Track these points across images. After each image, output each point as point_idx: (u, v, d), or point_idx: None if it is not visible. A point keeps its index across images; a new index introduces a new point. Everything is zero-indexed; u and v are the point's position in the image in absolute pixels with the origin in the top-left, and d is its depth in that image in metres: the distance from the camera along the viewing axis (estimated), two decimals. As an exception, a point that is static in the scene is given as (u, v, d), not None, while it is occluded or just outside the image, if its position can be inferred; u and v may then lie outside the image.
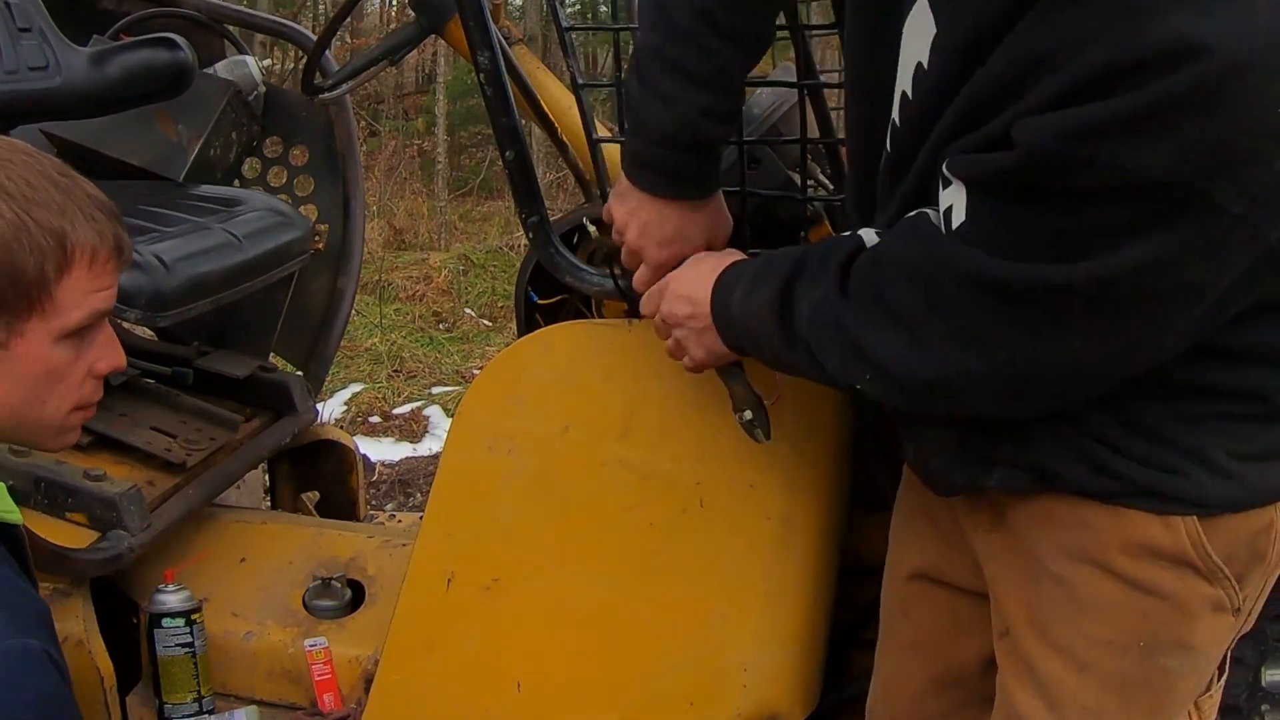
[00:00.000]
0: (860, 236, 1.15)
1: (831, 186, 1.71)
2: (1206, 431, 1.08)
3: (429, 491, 1.67)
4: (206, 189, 2.44)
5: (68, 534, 1.85)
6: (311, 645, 1.91)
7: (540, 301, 1.87)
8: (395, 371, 5.95)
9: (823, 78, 1.59)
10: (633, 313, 1.63)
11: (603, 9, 12.17)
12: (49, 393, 1.24)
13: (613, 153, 1.69)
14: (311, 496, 2.62)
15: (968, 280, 0.98)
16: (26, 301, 1.17)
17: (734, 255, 1.31)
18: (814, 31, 1.65)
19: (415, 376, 5.91)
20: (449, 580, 1.63)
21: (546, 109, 1.93)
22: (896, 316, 1.05)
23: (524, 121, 1.67)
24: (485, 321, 6.96)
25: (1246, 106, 0.86)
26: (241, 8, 3.68)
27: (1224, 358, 1.05)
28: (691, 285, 1.29)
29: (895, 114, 1.10)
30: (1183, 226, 0.90)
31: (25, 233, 1.15)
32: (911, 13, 1.05)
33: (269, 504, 2.73)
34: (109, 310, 1.25)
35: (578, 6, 12.20)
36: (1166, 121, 0.86)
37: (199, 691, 1.89)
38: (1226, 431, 1.08)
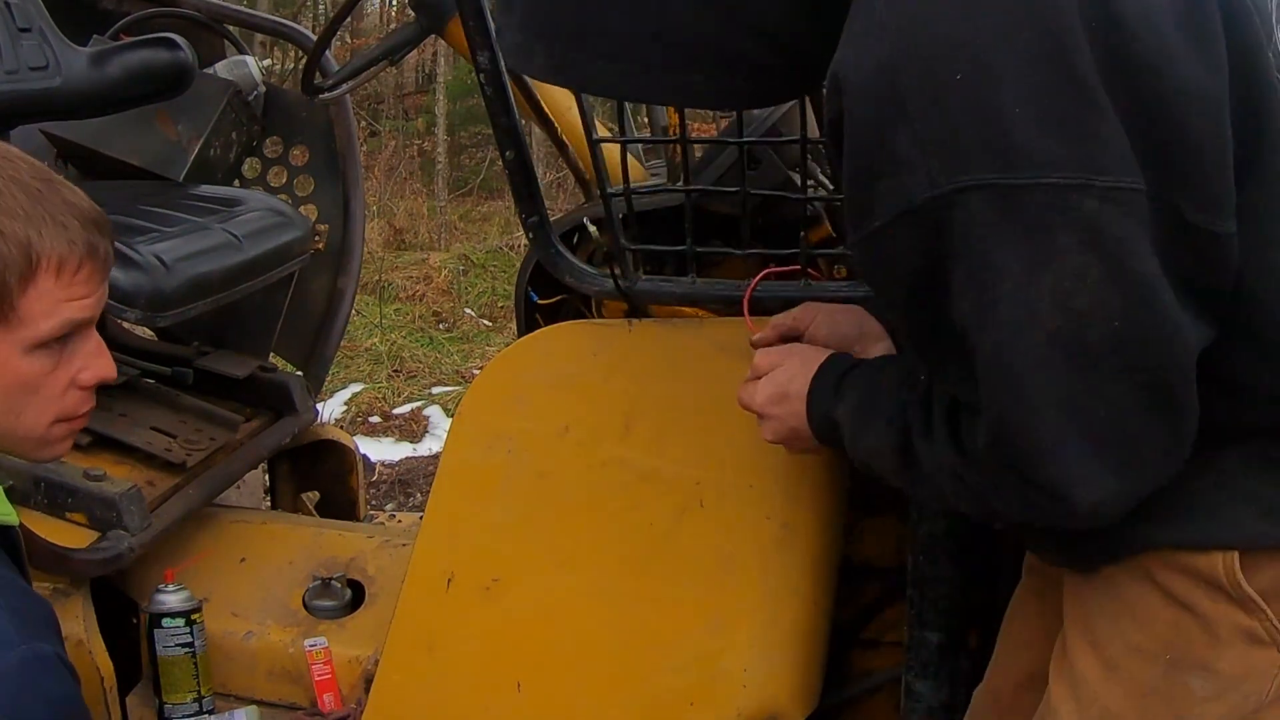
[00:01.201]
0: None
1: (831, 186, 1.71)
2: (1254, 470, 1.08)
3: (429, 491, 1.67)
4: (206, 189, 2.44)
5: (68, 534, 1.85)
6: (311, 645, 1.91)
7: (540, 301, 1.87)
8: (395, 371, 5.96)
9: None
10: (633, 313, 1.63)
11: (603, 9, 12.13)
12: (23, 405, 1.20)
13: (613, 152, 1.69)
14: (311, 496, 2.62)
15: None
16: None
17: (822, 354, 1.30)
18: (814, 31, 1.65)
19: (415, 376, 5.91)
20: (449, 580, 1.63)
21: (546, 109, 1.93)
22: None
23: (524, 121, 1.67)
24: (485, 321, 6.96)
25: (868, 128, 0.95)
26: (241, 8, 3.68)
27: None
28: (792, 380, 1.28)
29: None
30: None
31: None
32: None
33: (269, 504, 2.73)
34: (89, 320, 1.22)
35: (578, 6, 12.16)
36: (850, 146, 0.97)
37: (199, 691, 1.89)
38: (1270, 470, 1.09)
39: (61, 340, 1.19)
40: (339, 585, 2.02)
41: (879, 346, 1.34)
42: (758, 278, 1.50)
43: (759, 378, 1.31)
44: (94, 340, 1.24)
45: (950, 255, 0.94)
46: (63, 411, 1.24)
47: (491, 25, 1.52)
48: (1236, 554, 1.09)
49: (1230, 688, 1.14)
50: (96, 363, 1.24)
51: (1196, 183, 0.97)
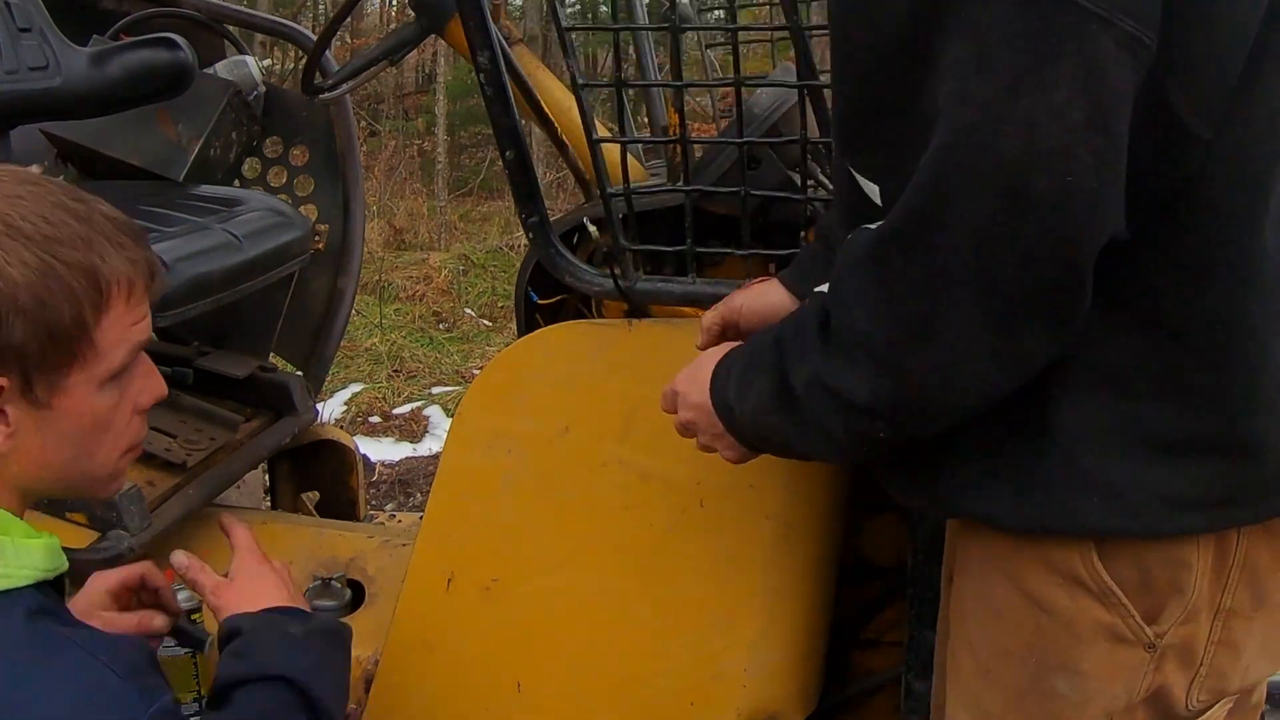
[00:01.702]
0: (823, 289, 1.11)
1: (831, 186, 1.71)
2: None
3: (429, 491, 1.67)
4: (206, 189, 2.44)
5: (68, 534, 1.85)
6: (311, 645, 1.91)
7: (540, 301, 1.87)
8: (395, 371, 5.96)
9: (823, 78, 1.59)
10: (633, 313, 1.63)
11: (603, 9, 12.16)
12: (98, 443, 1.14)
13: (613, 152, 1.69)
14: (311, 496, 2.62)
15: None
16: (67, 354, 1.07)
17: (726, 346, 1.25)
18: (814, 31, 1.65)
19: (415, 376, 5.91)
20: (449, 580, 1.63)
21: (546, 109, 1.93)
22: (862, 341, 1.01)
23: (524, 121, 1.67)
24: (485, 321, 6.96)
25: None
26: (241, 8, 3.68)
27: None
28: (696, 391, 1.24)
29: None
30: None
31: (54, 278, 1.04)
32: None
33: (269, 504, 2.73)
34: (148, 340, 1.15)
35: (578, 6, 12.20)
36: None
37: (199, 691, 1.89)
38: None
39: (126, 367, 1.13)
40: (339, 585, 2.02)
41: None
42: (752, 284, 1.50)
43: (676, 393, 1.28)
44: (145, 361, 1.18)
45: (946, 31, 0.88)
46: (130, 441, 1.19)
47: (491, 25, 1.52)
48: (1092, 544, 1.06)
49: (1099, 690, 1.11)
50: (150, 383, 1.19)
51: (1198, 68, 0.92)
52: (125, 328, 1.11)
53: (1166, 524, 1.05)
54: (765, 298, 1.38)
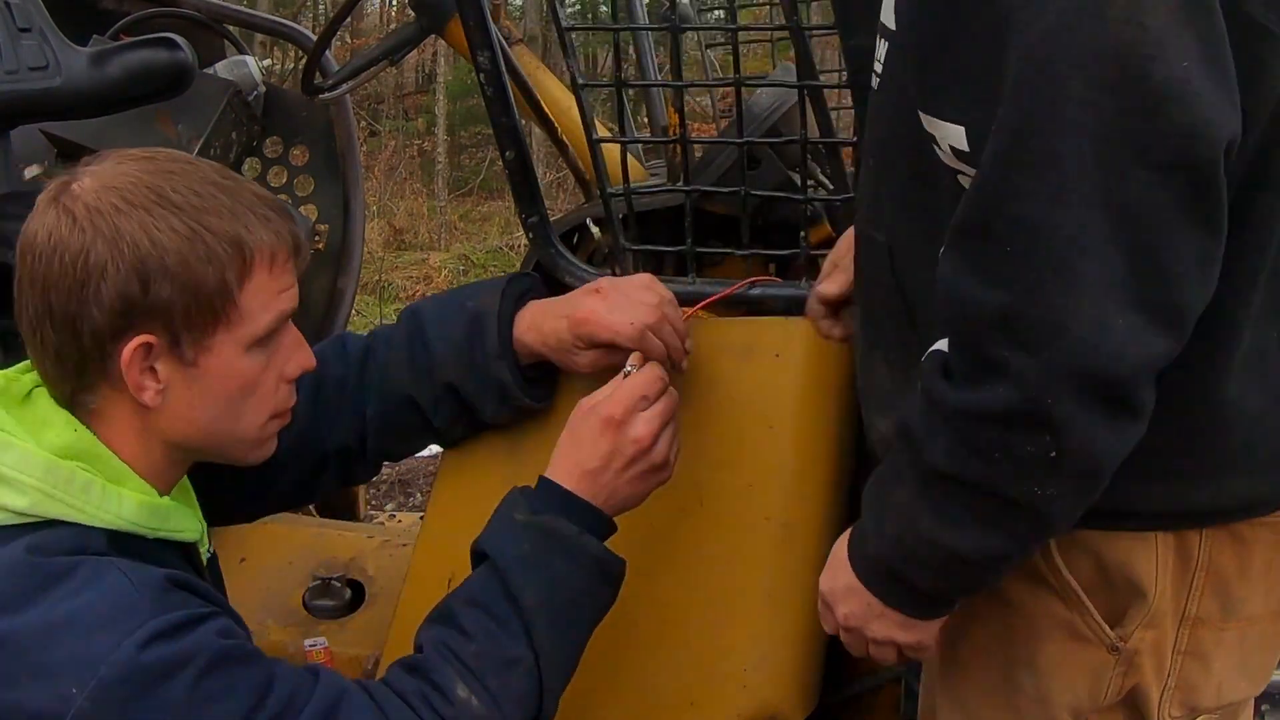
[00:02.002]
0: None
1: (831, 186, 1.71)
2: None
3: (429, 491, 1.67)
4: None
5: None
6: (311, 645, 1.91)
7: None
8: (395, 371, 5.95)
9: (822, 78, 1.60)
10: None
11: (603, 9, 12.18)
12: (243, 406, 1.21)
13: (613, 152, 1.70)
14: (311, 496, 2.62)
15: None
16: (212, 314, 1.14)
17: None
18: (814, 31, 1.65)
19: (415, 376, 5.91)
20: (449, 580, 1.63)
21: (546, 109, 1.94)
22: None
23: (524, 121, 1.67)
24: (485, 321, 6.96)
25: None
26: (241, 8, 3.68)
27: None
28: (839, 574, 1.16)
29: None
30: None
31: (201, 244, 1.12)
32: None
33: (269, 504, 2.73)
34: (294, 310, 1.22)
35: (578, 6, 12.21)
36: None
37: None
38: None
39: (272, 335, 1.20)
40: (339, 585, 2.02)
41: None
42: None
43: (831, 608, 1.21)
44: (293, 332, 1.24)
45: None
46: (276, 407, 1.25)
47: (491, 25, 1.52)
48: (1051, 541, 1.05)
49: (1060, 687, 1.10)
50: (299, 354, 1.25)
51: None
52: (270, 295, 1.18)
53: (1121, 520, 1.04)
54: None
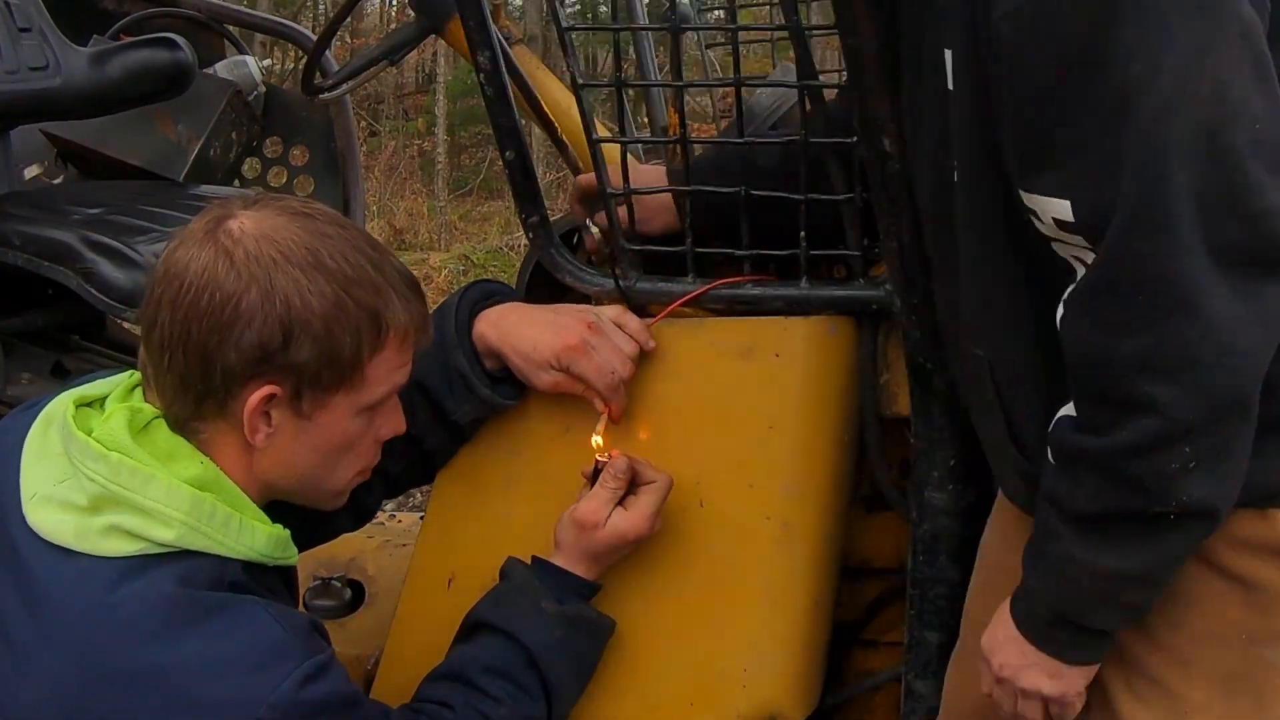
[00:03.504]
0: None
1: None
2: None
3: (429, 491, 1.67)
4: (206, 189, 2.44)
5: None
6: (311, 645, 1.91)
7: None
8: (395, 371, 5.95)
9: (822, 78, 1.59)
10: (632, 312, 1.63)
11: (603, 9, 12.18)
12: (339, 461, 1.28)
13: (613, 152, 1.69)
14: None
15: None
16: (338, 378, 1.20)
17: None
18: (814, 32, 1.64)
19: (415, 376, 5.91)
20: (449, 580, 1.63)
21: (546, 109, 1.93)
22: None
23: (524, 121, 1.67)
24: (485, 321, 6.96)
25: None
26: (241, 8, 3.68)
27: None
28: (999, 629, 1.26)
29: None
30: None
31: (345, 314, 1.18)
32: None
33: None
34: (405, 382, 1.29)
35: (578, 6, 12.21)
36: None
37: None
38: None
39: (382, 402, 1.27)
40: (339, 585, 2.02)
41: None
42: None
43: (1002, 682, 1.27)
44: (394, 398, 1.31)
45: (1121, 23, 0.97)
46: (366, 464, 1.33)
47: (491, 25, 1.52)
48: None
49: None
50: (394, 418, 1.32)
51: None
52: (392, 369, 1.25)
53: None
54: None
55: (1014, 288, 1.18)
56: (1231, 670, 1.18)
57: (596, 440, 1.49)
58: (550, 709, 1.42)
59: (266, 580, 1.25)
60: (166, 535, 1.16)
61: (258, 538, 1.23)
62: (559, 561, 1.46)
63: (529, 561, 1.48)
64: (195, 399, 1.19)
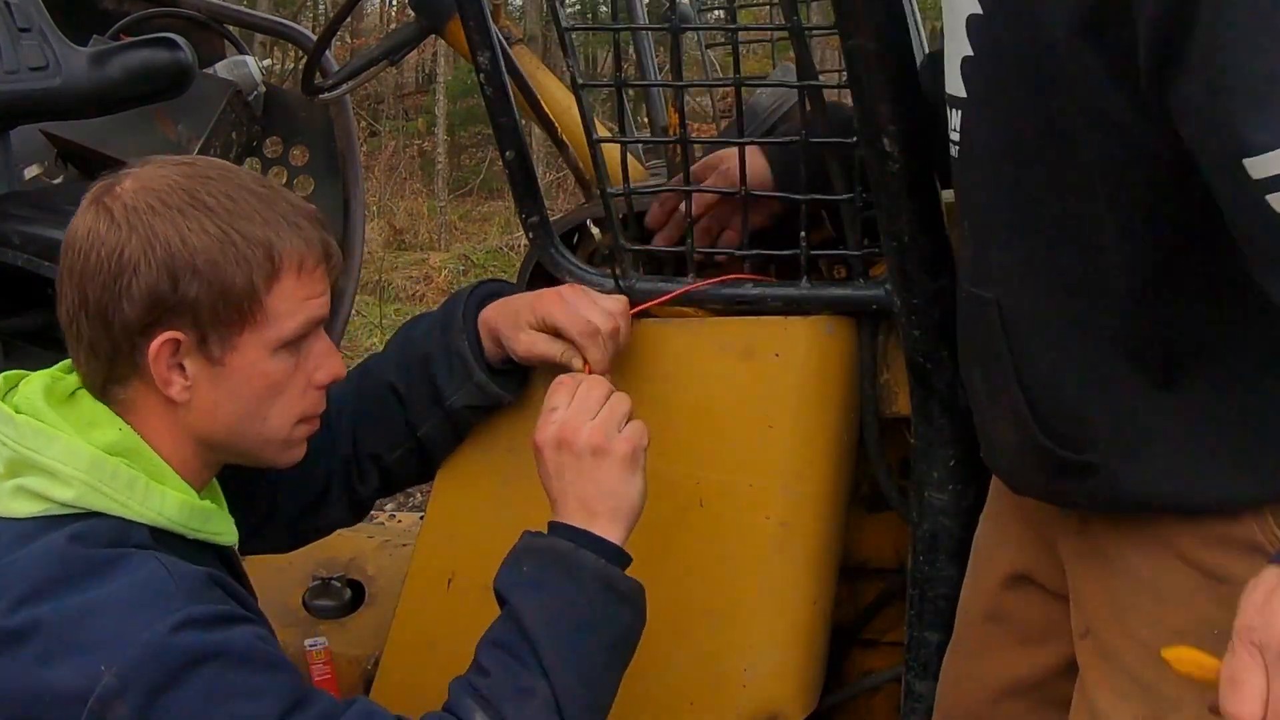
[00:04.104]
0: None
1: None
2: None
3: (429, 491, 1.67)
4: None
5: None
6: (311, 645, 1.91)
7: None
8: (395, 371, 5.95)
9: (822, 78, 1.59)
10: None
11: (603, 9, 12.18)
12: (269, 406, 1.25)
13: (613, 152, 1.69)
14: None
15: None
16: (238, 314, 1.18)
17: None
18: (814, 31, 1.64)
19: (415, 376, 5.91)
20: (449, 580, 1.63)
21: (546, 109, 1.93)
22: None
23: (524, 121, 1.67)
24: (485, 321, 6.96)
25: None
26: (241, 8, 3.68)
27: None
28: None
29: None
30: None
31: (231, 246, 1.17)
32: None
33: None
34: (324, 317, 1.26)
35: (578, 6, 12.21)
36: None
37: None
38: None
39: (300, 339, 1.24)
40: (339, 585, 2.02)
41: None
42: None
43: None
44: (324, 340, 1.29)
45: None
46: (304, 411, 1.29)
47: (491, 25, 1.52)
48: (1267, 510, 1.10)
49: None
50: (329, 361, 1.29)
51: None
52: (298, 300, 1.21)
53: None
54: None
55: (1046, 228, 1.14)
56: None
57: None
58: (547, 676, 1.24)
59: (191, 555, 1.21)
60: (66, 494, 1.15)
61: (167, 502, 1.20)
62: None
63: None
64: (106, 360, 1.19)
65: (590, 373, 1.44)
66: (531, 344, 1.49)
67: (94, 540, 1.15)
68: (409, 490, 4.28)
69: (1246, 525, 1.12)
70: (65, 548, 1.14)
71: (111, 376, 1.20)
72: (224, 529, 1.28)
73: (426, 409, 1.54)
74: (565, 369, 1.46)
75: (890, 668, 1.70)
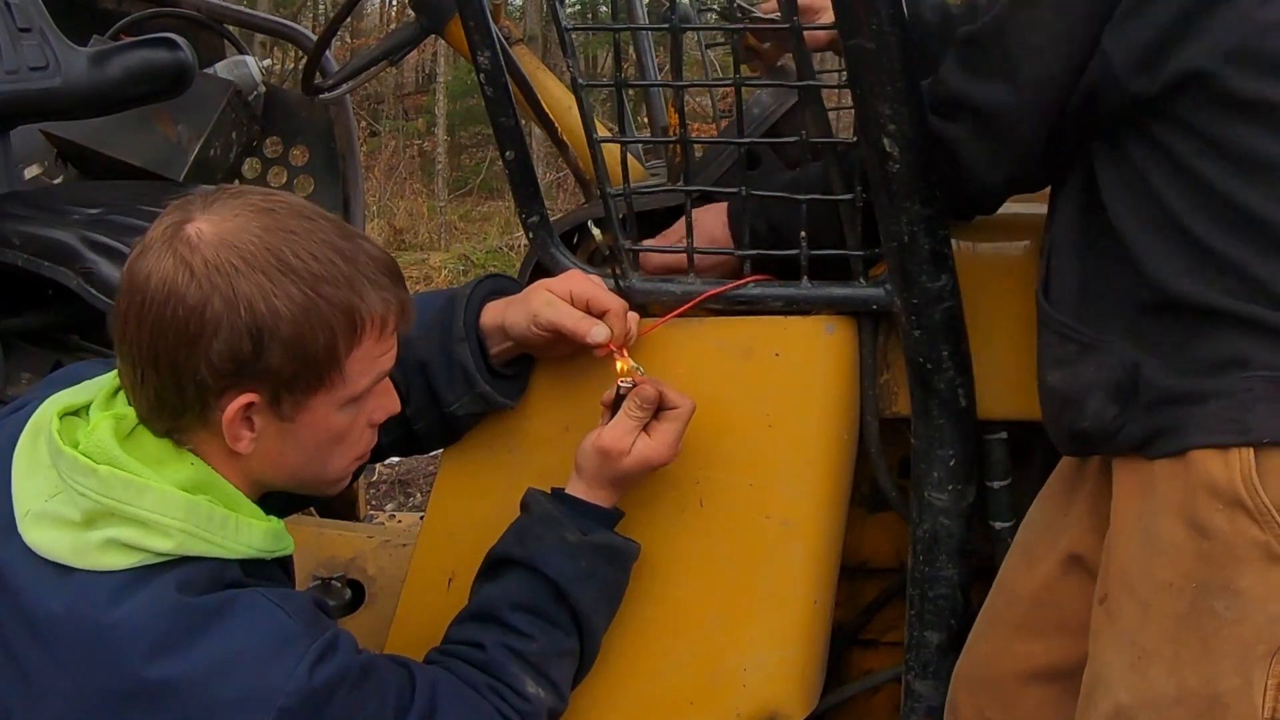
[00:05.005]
0: None
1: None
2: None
3: (429, 491, 1.67)
4: (206, 189, 2.44)
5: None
6: (311, 645, 1.91)
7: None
8: (395, 371, 5.95)
9: (822, 78, 1.59)
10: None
11: (603, 9, 12.17)
12: (331, 454, 1.26)
13: (613, 152, 1.69)
14: (312, 496, 2.62)
15: None
16: (316, 379, 1.17)
17: None
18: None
19: (415, 376, 5.91)
20: (449, 580, 1.63)
21: (546, 109, 1.93)
22: None
23: (524, 121, 1.67)
24: (485, 321, 6.96)
25: None
26: (241, 8, 3.68)
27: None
28: None
29: None
30: None
31: (315, 313, 1.14)
32: None
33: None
34: (390, 369, 1.26)
35: (578, 6, 12.20)
36: None
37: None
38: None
39: (367, 392, 1.24)
40: (339, 585, 2.02)
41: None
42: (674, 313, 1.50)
43: None
44: (384, 381, 1.28)
45: None
46: (360, 451, 1.30)
47: (491, 25, 1.52)
48: (1251, 452, 1.15)
49: (1254, 609, 1.17)
50: (386, 400, 1.29)
51: None
52: (372, 359, 1.21)
53: None
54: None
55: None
56: (1180, 616, 1.20)
57: (621, 365, 1.44)
58: (581, 640, 1.41)
59: (266, 573, 1.24)
60: (166, 545, 1.15)
61: (255, 535, 1.21)
62: (579, 490, 1.45)
63: (549, 491, 1.46)
64: (173, 413, 1.17)
65: (623, 353, 1.45)
66: (549, 312, 1.44)
67: (199, 587, 1.16)
68: (409, 490, 4.29)
69: (1231, 472, 1.16)
70: (175, 600, 1.14)
71: (175, 426, 1.19)
72: (289, 541, 1.28)
73: (425, 411, 1.53)
74: (573, 342, 1.45)
75: (890, 668, 1.70)
